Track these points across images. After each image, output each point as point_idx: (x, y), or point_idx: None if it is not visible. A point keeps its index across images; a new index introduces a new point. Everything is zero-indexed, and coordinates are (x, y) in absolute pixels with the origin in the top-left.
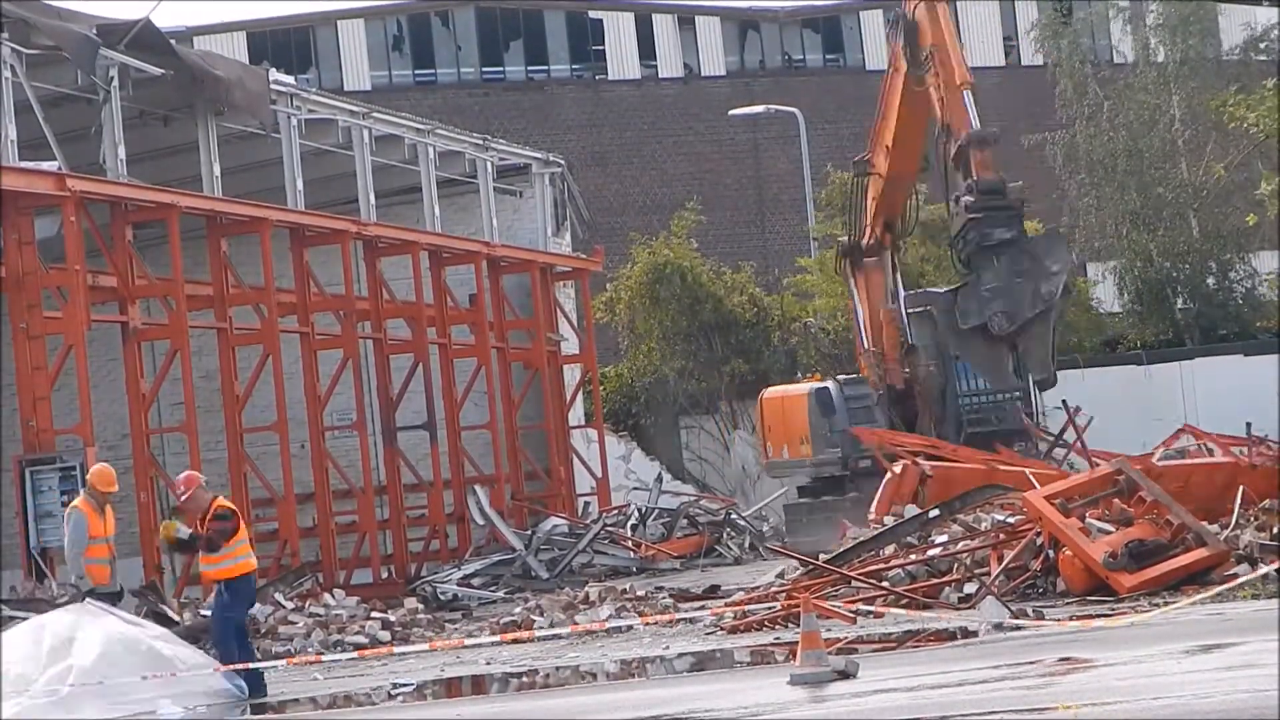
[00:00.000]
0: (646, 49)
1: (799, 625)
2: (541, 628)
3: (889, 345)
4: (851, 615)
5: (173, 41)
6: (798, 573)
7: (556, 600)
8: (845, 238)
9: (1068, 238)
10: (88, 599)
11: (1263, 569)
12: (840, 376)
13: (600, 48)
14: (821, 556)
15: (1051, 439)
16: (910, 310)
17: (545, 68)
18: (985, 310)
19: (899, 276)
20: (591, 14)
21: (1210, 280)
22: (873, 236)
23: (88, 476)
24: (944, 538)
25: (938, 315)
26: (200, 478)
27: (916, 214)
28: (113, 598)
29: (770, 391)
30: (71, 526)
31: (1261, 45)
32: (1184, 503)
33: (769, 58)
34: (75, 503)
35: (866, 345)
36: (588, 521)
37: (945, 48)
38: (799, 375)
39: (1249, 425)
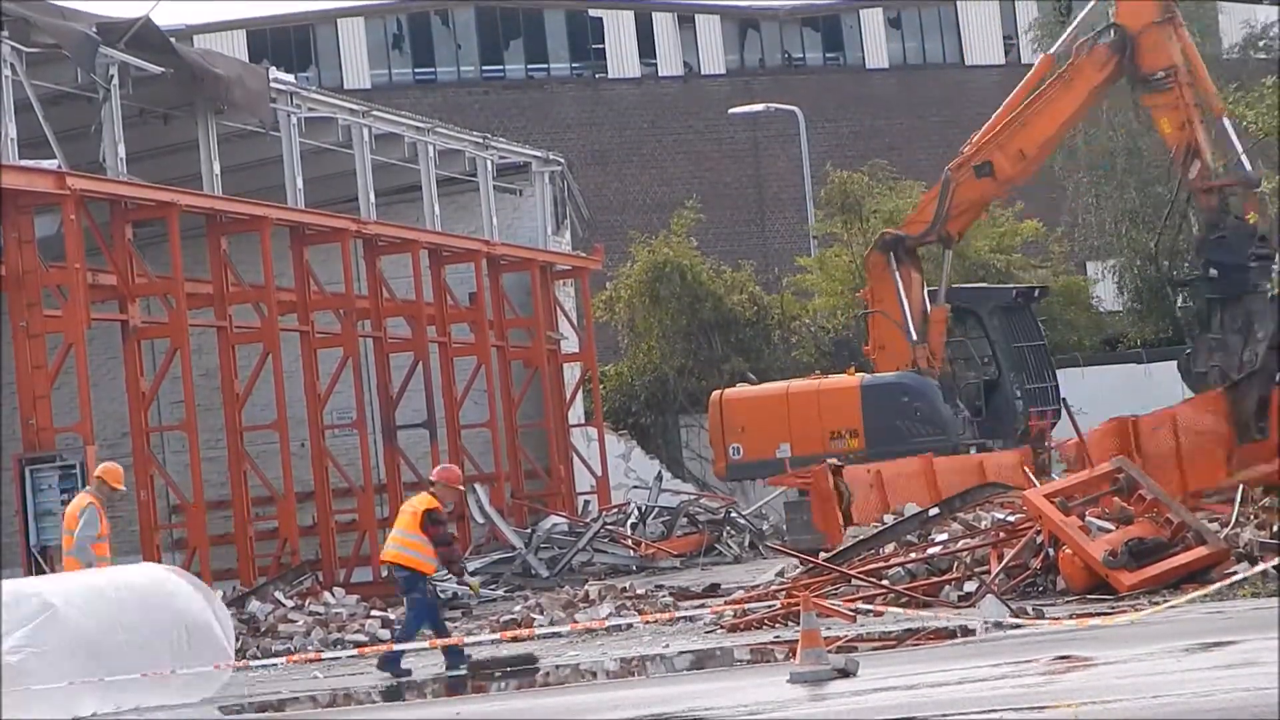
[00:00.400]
0: (646, 47)
1: (799, 623)
2: (541, 626)
3: (937, 341)
4: (851, 614)
5: (173, 40)
6: (797, 571)
7: (556, 598)
8: (891, 230)
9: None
10: None
11: (1262, 566)
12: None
13: (600, 46)
14: (821, 555)
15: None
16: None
17: (545, 66)
18: (1209, 361)
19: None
20: (591, 12)
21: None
22: (940, 233)
23: (98, 473)
24: (944, 536)
25: (982, 314)
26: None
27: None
28: None
29: (736, 392)
30: (84, 522)
31: (1260, 44)
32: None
33: (769, 56)
34: (88, 499)
35: (914, 338)
36: (587, 520)
37: (1199, 72)
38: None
39: None
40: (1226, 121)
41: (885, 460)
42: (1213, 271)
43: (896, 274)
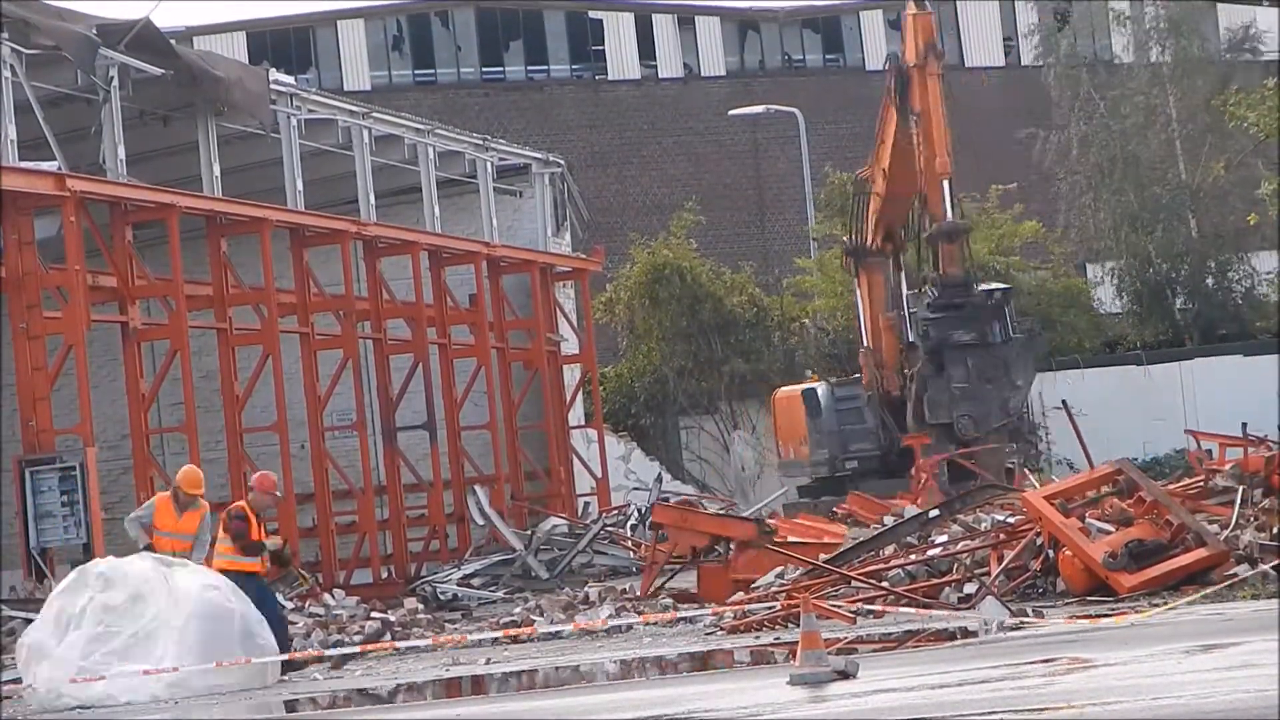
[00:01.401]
0: (646, 49)
1: (799, 625)
2: (541, 627)
3: (888, 351)
4: (851, 615)
5: (172, 41)
6: (798, 573)
7: (556, 600)
8: (847, 239)
9: (1037, 349)
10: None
11: (1262, 568)
12: (833, 378)
13: (600, 48)
14: (821, 556)
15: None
16: (913, 310)
17: (545, 68)
18: (953, 410)
19: (903, 277)
20: (591, 14)
21: (1209, 280)
22: (874, 243)
23: (176, 477)
24: (944, 538)
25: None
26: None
27: (917, 223)
28: None
29: (782, 391)
30: (144, 507)
31: (1245, 45)
32: None
33: (769, 58)
34: (156, 494)
35: (866, 344)
36: (587, 521)
37: (930, 125)
38: (809, 374)
39: (1244, 426)
40: (944, 183)
41: None
42: (922, 328)
43: (855, 281)
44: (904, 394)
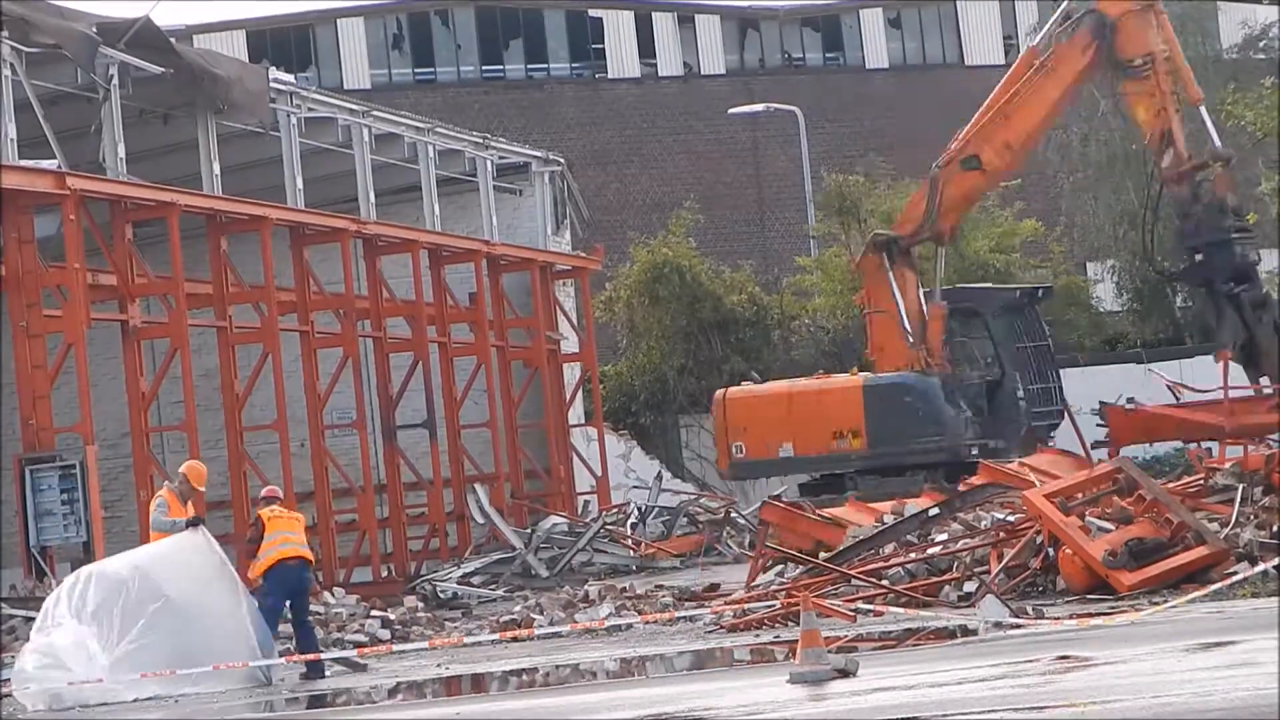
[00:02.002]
0: (646, 47)
1: (799, 623)
2: (541, 626)
3: (935, 340)
4: (851, 613)
5: (172, 40)
6: (797, 571)
7: (556, 599)
8: (883, 232)
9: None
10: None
11: (1263, 566)
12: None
13: (600, 46)
14: (821, 555)
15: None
16: (952, 306)
17: (545, 66)
18: (1259, 322)
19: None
20: (591, 12)
21: None
22: (933, 231)
23: (181, 470)
24: (944, 536)
25: (986, 314)
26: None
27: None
28: None
29: (740, 390)
30: (155, 507)
31: (1260, 44)
32: None
33: (769, 56)
34: (164, 491)
35: (911, 339)
36: (587, 520)
37: (1178, 61)
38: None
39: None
40: (1203, 109)
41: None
42: (1198, 256)
43: (891, 275)
44: (955, 379)
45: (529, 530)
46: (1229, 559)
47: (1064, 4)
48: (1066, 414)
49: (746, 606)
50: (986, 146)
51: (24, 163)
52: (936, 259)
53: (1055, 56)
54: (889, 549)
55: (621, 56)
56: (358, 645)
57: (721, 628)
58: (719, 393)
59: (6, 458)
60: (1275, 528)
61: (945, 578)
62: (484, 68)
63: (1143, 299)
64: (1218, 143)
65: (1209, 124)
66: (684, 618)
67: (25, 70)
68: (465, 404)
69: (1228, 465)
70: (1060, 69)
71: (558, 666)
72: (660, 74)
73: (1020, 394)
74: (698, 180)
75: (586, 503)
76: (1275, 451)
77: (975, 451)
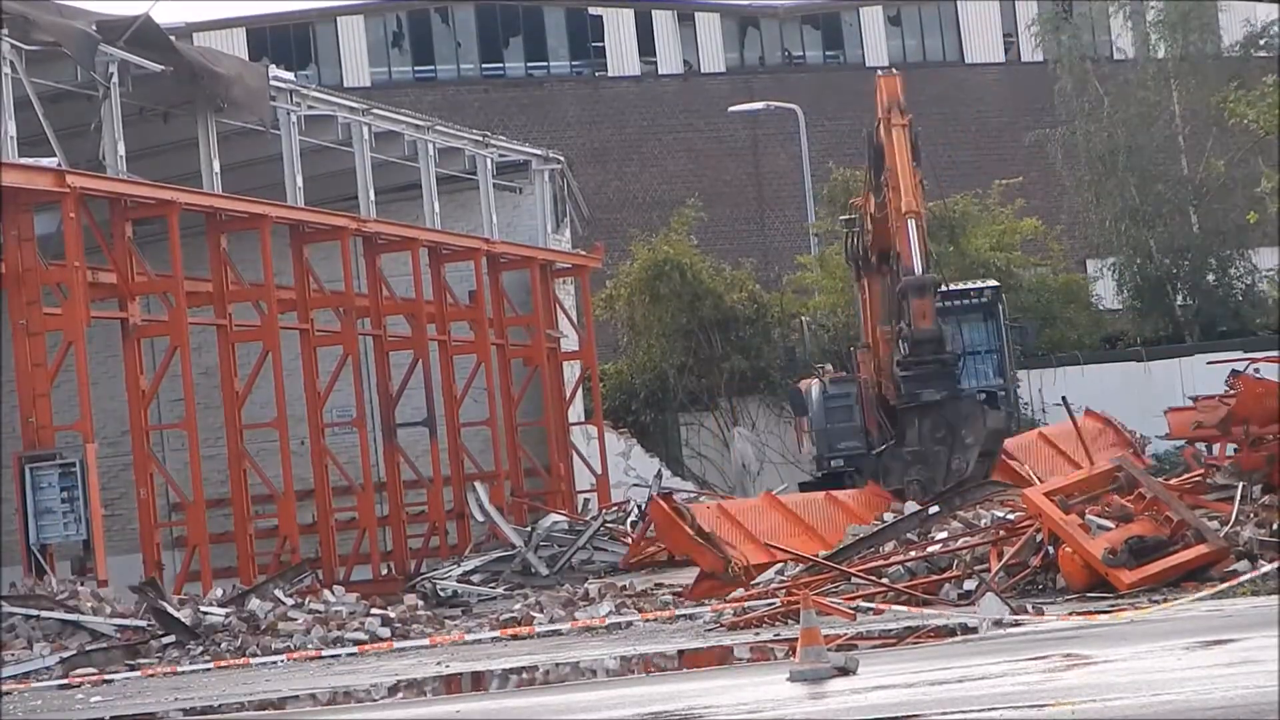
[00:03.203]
0: (646, 45)
1: (799, 622)
2: (541, 624)
3: (884, 360)
4: (851, 612)
5: (172, 38)
6: (798, 569)
7: (556, 597)
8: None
9: (986, 409)
10: None
11: (1263, 566)
12: (829, 375)
13: (600, 44)
14: (821, 553)
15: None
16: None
17: (545, 64)
18: (905, 475)
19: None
20: (591, 10)
21: (1210, 276)
22: (873, 261)
23: None
24: (944, 534)
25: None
26: None
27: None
28: None
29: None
30: None
31: (1261, 42)
32: None
33: (769, 54)
34: None
35: (864, 341)
36: (587, 518)
37: (896, 173)
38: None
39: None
40: (911, 223)
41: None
42: (910, 389)
43: (857, 282)
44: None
45: (529, 528)
46: (1229, 557)
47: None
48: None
49: (746, 605)
50: (865, 199)
51: (24, 160)
52: (889, 282)
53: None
54: (889, 547)
55: (621, 54)
56: (358, 643)
57: (721, 626)
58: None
59: (6, 456)
60: (1275, 526)
61: (945, 576)
62: (484, 66)
63: (1142, 297)
64: (918, 267)
65: (913, 241)
66: (684, 615)
67: (25, 68)
68: (465, 402)
69: (1226, 464)
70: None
71: (558, 664)
72: (660, 72)
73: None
74: (698, 178)
75: (586, 501)
76: (1276, 451)
77: (838, 463)
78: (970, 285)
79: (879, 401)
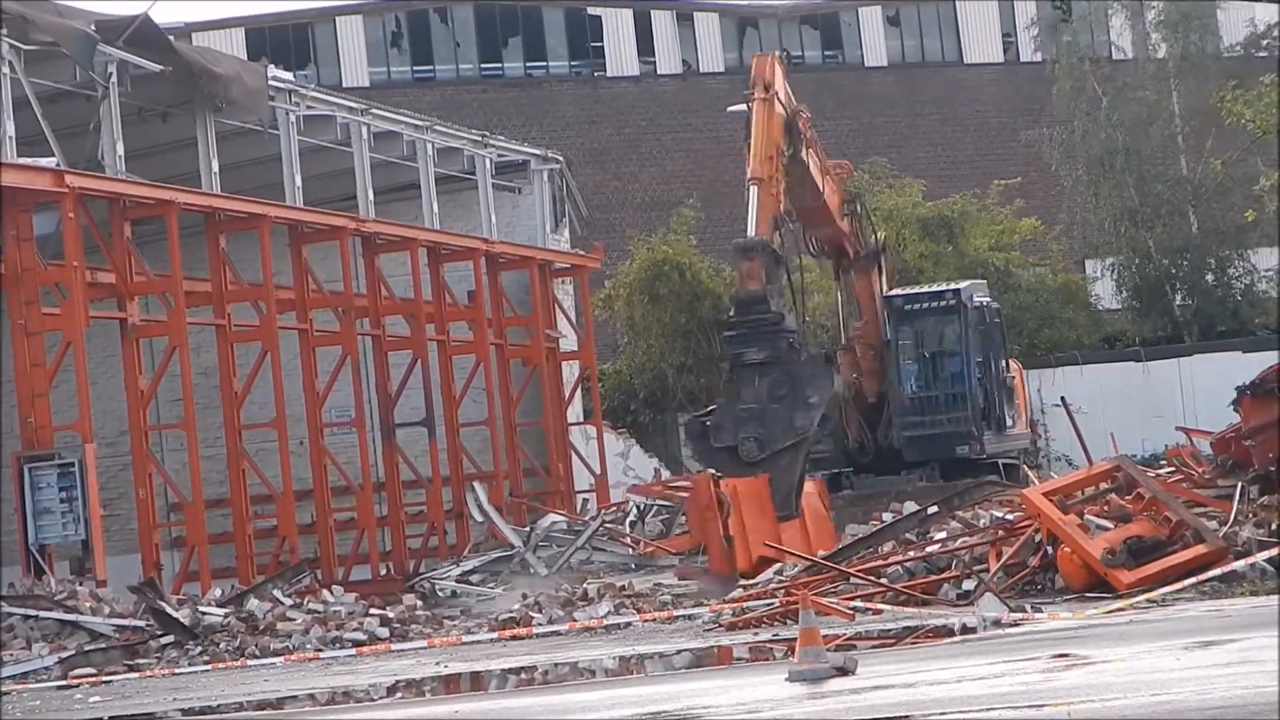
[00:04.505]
0: (645, 45)
1: (797, 622)
2: (540, 624)
3: (862, 355)
4: (850, 612)
5: (171, 38)
6: (796, 569)
7: (555, 597)
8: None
9: (835, 365)
10: None
11: (1261, 562)
12: None
13: (599, 44)
14: (820, 553)
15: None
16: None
17: (544, 64)
18: (738, 432)
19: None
20: (590, 10)
21: (1209, 277)
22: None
23: None
24: (942, 534)
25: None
26: None
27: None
28: None
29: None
30: None
31: (1264, 43)
32: None
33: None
34: None
35: (845, 340)
36: (586, 518)
37: (752, 140)
38: None
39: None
40: (753, 188)
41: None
42: (734, 349)
43: (836, 283)
44: (880, 398)
45: (528, 528)
46: (1227, 557)
47: None
48: (1065, 411)
49: (745, 605)
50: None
51: (23, 160)
52: (846, 283)
53: None
54: (888, 547)
55: (620, 54)
56: (357, 644)
57: (720, 626)
58: None
59: (5, 456)
60: (1274, 525)
61: (944, 576)
62: (483, 66)
63: (1141, 297)
64: (751, 229)
65: (751, 205)
66: (683, 616)
67: (24, 68)
68: (464, 402)
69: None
70: None
71: (556, 664)
72: (659, 72)
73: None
74: (697, 178)
75: (585, 501)
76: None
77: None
78: (935, 289)
79: (856, 401)
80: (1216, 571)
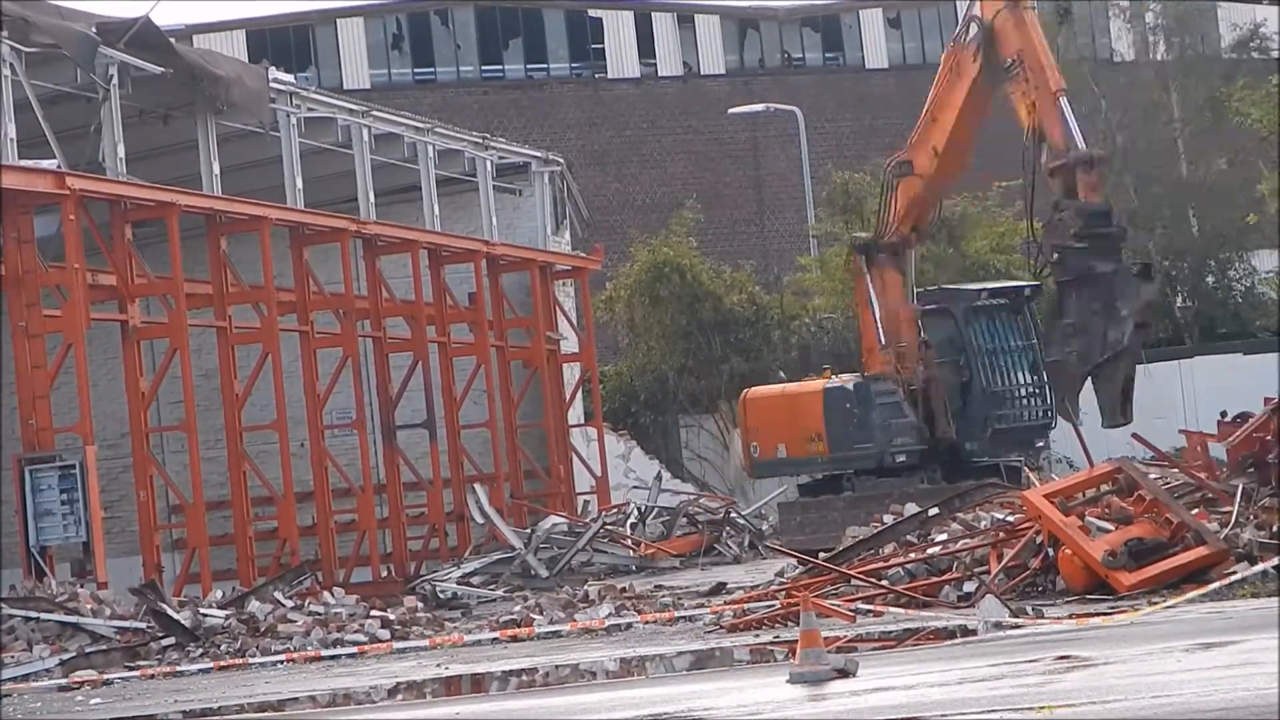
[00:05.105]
0: (646, 47)
1: (798, 624)
2: (541, 626)
3: (910, 343)
4: (851, 614)
5: (172, 40)
6: (797, 571)
7: (556, 599)
8: (861, 235)
9: (1150, 275)
10: None
11: (1262, 566)
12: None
13: (600, 46)
14: (821, 555)
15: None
16: (925, 307)
17: (545, 66)
18: (1065, 347)
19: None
20: (591, 12)
21: (1209, 279)
22: (897, 235)
23: None
24: (943, 536)
25: (957, 313)
26: None
27: (940, 215)
28: None
29: (757, 391)
30: None
31: (1252, 44)
32: None
33: (768, 56)
34: None
35: (883, 342)
36: (587, 520)
37: (1035, 54)
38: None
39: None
40: (1064, 100)
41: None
42: (1055, 255)
43: (869, 277)
44: (927, 389)
45: (529, 530)
46: (1229, 559)
47: (970, 6)
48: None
49: (746, 606)
50: (918, 152)
51: (24, 163)
52: (905, 262)
53: (954, 59)
54: (889, 549)
55: (621, 56)
56: (358, 645)
57: (721, 628)
58: (743, 392)
59: (6, 458)
60: (1275, 528)
61: (945, 578)
62: (483, 68)
63: None
64: (1081, 142)
65: (1069, 117)
66: (683, 618)
67: (25, 70)
68: (465, 404)
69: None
70: (961, 73)
71: (557, 666)
72: (660, 74)
73: (993, 396)
74: (697, 180)
75: (586, 503)
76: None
77: (902, 458)
78: (1005, 285)
79: (921, 391)
80: (1217, 585)
